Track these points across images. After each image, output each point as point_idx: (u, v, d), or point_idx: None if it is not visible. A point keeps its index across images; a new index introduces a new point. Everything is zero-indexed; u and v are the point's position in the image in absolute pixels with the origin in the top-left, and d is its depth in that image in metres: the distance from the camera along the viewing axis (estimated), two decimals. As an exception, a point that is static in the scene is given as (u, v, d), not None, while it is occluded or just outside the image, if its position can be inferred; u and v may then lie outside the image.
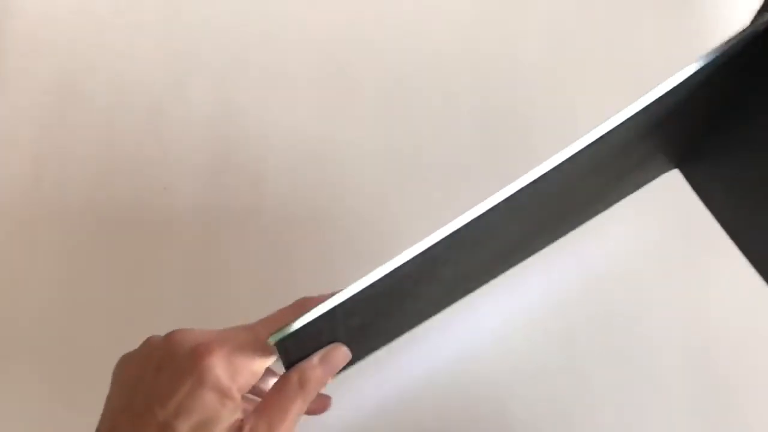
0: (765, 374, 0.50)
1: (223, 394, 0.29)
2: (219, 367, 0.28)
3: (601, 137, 0.26)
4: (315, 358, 0.32)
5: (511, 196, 0.28)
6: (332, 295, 0.29)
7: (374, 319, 0.36)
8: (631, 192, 0.42)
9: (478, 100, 0.57)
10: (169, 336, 0.31)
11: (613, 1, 0.61)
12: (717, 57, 0.24)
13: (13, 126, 0.56)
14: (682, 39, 0.60)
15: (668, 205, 0.52)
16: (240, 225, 0.53)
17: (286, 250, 0.52)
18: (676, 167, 0.38)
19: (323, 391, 0.34)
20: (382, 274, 0.29)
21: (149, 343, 0.32)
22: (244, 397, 0.31)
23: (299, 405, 0.31)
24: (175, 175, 0.54)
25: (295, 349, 0.32)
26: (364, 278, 0.29)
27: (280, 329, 0.29)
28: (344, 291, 0.29)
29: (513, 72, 0.59)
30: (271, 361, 0.32)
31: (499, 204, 0.28)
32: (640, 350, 0.50)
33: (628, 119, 0.26)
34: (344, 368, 0.37)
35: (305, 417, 0.34)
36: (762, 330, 0.50)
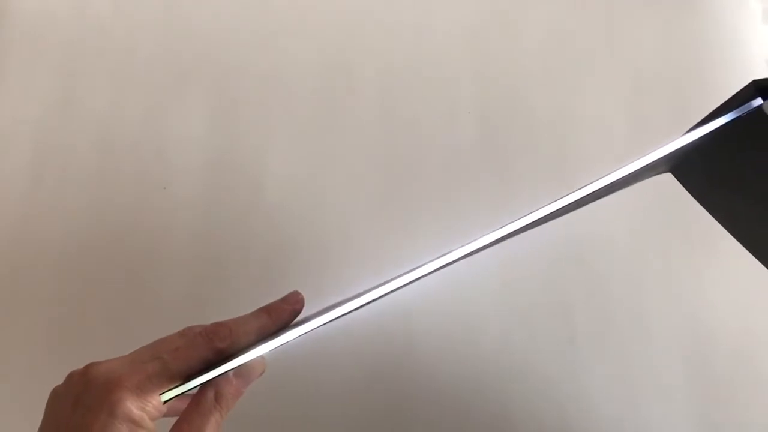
0: (764, 373, 0.50)
1: (136, 423, 0.30)
2: (129, 399, 0.30)
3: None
4: (230, 372, 0.33)
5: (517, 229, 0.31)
6: (241, 322, 0.33)
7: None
8: (620, 189, 0.44)
9: (479, 100, 0.57)
10: (85, 370, 0.33)
11: (613, 3, 0.61)
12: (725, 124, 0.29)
13: (13, 126, 0.56)
14: (682, 39, 0.60)
15: (669, 205, 0.52)
16: (239, 224, 0.53)
17: (286, 249, 0.52)
18: (668, 171, 0.41)
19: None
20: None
21: (70, 378, 0.34)
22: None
23: (216, 420, 0.33)
24: (175, 175, 0.54)
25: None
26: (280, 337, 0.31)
27: (175, 388, 0.31)
28: (254, 351, 0.32)
29: (513, 72, 0.59)
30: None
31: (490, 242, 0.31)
32: (640, 349, 0.50)
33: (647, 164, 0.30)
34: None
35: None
36: (761, 328, 0.50)
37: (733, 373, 0.49)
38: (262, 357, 0.35)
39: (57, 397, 0.33)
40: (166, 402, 0.31)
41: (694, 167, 0.39)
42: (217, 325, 0.34)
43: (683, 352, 0.50)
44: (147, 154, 0.55)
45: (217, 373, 0.32)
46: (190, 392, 0.33)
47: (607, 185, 0.32)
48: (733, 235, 0.40)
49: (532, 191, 0.53)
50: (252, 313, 0.35)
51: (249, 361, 0.33)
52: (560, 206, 0.31)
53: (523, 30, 0.60)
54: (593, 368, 0.50)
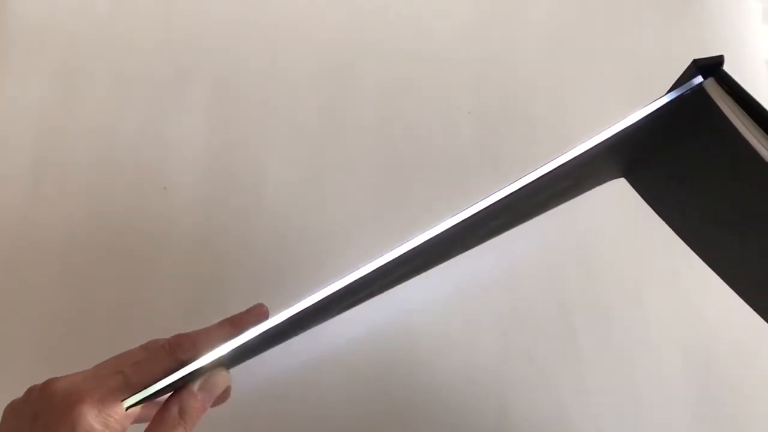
0: (765, 375, 0.50)
1: None
2: (90, 414, 0.30)
3: (560, 165, 0.29)
4: (195, 386, 0.33)
5: (466, 219, 0.30)
6: (206, 334, 0.32)
7: (254, 350, 0.38)
8: (577, 196, 0.44)
9: (478, 100, 0.57)
10: (46, 385, 0.32)
11: (613, 2, 0.61)
12: (660, 107, 0.28)
13: (13, 126, 0.56)
14: (681, 39, 0.60)
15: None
16: (239, 224, 0.53)
17: (285, 249, 0.52)
18: (622, 177, 0.41)
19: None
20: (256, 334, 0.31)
21: (29, 393, 0.33)
22: None
23: None
24: (175, 175, 0.54)
25: (167, 390, 0.33)
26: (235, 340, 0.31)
27: (137, 394, 0.31)
28: (217, 351, 0.31)
29: (513, 72, 0.59)
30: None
31: (452, 226, 0.30)
32: (642, 349, 0.50)
33: (590, 149, 0.29)
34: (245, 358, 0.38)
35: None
36: (761, 330, 0.50)
37: (734, 371, 0.49)
38: (227, 371, 0.35)
39: (14, 412, 0.33)
40: (128, 408, 0.31)
41: (646, 168, 0.39)
42: (180, 337, 0.33)
43: (685, 351, 0.50)
44: (147, 154, 0.55)
45: (179, 376, 0.31)
46: (156, 401, 0.33)
47: (551, 183, 0.31)
48: (684, 240, 0.40)
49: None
50: (216, 325, 0.35)
51: (214, 376, 0.33)
52: (486, 205, 0.30)
53: (524, 30, 0.60)
54: (594, 368, 0.50)
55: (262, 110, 0.57)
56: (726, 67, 0.28)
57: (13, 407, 0.33)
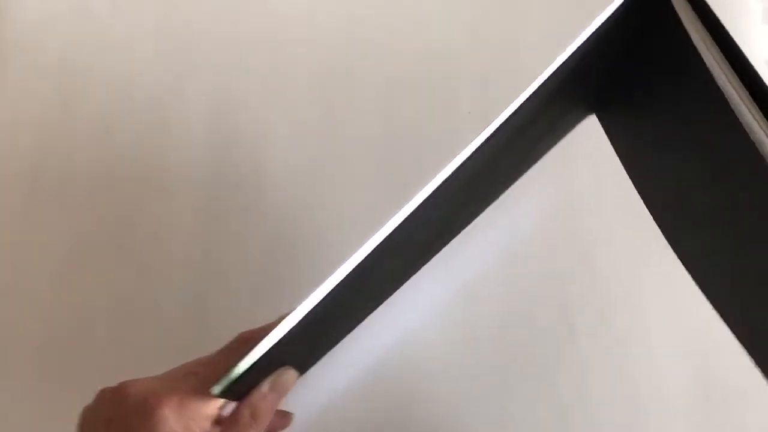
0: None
1: None
2: (171, 417, 0.29)
3: (521, 106, 0.29)
4: (265, 387, 0.33)
5: (440, 186, 0.29)
6: (270, 328, 0.30)
7: (317, 337, 0.38)
8: (555, 143, 0.43)
9: (478, 100, 0.57)
10: (120, 388, 0.31)
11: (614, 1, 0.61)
12: (604, 23, 0.28)
13: (13, 126, 0.56)
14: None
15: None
16: (239, 224, 0.53)
17: (286, 249, 0.52)
18: (593, 113, 0.39)
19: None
20: (313, 305, 0.30)
21: (102, 396, 0.32)
22: None
23: None
24: (175, 175, 0.54)
25: (243, 386, 0.32)
26: (295, 312, 0.30)
27: (224, 378, 0.29)
28: (282, 325, 0.30)
29: (513, 72, 0.59)
30: (221, 402, 0.33)
31: (429, 195, 0.30)
32: (641, 350, 0.50)
33: (545, 82, 0.28)
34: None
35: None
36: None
37: (735, 372, 0.49)
38: (294, 370, 0.34)
39: (87, 415, 0.32)
40: (218, 395, 0.30)
41: (616, 104, 0.37)
42: (248, 333, 0.34)
43: (685, 351, 0.50)
44: (147, 154, 0.55)
45: (261, 353, 0.30)
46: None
47: (526, 124, 0.30)
48: (644, 200, 0.39)
49: (533, 192, 0.53)
50: (278, 320, 0.35)
51: (281, 375, 0.33)
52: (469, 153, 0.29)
53: (524, 30, 0.60)
54: (594, 368, 0.50)
55: (262, 110, 0.57)
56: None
57: (84, 415, 0.32)
